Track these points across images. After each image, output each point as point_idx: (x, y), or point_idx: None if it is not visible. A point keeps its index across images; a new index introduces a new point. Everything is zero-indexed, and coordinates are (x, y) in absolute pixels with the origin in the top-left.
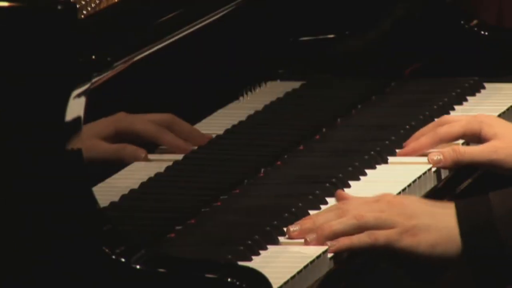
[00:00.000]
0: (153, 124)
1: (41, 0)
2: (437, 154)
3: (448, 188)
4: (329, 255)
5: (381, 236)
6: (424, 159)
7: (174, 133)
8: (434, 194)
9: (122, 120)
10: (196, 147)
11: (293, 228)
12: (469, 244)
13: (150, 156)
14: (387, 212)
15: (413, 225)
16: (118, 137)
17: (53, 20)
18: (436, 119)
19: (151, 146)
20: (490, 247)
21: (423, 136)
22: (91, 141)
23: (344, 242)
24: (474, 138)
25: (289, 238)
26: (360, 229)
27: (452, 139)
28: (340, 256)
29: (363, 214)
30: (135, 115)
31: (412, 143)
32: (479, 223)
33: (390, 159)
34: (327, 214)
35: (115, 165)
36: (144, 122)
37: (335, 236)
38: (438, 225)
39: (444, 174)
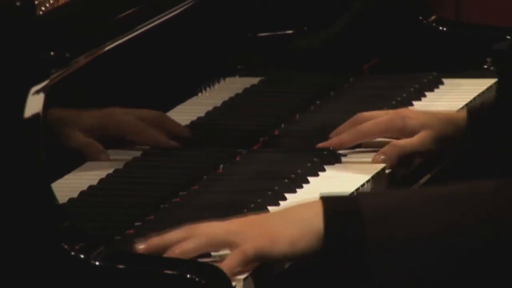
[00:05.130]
0: (139, 122)
1: None
2: (380, 154)
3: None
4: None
5: (249, 248)
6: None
7: (162, 130)
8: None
9: (110, 115)
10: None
11: (140, 245)
12: (331, 228)
13: (109, 152)
14: (236, 228)
15: (267, 229)
16: (100, 131)
17: (12, 16)
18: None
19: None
20: (352, 233)
21: (344, 133)
22: (68, 129)
23: (223, 265)
24: (397, 134)
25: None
26: (211, 246)
27: (375, 136)
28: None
29: (211, 232)
30: (124, 111)
31: (334, 138)
32: (344, 209)
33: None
34: (177, 232)
35: (77, 158)
36: (131, 121)
37: (185, 255)
38: (295, 218)
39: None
